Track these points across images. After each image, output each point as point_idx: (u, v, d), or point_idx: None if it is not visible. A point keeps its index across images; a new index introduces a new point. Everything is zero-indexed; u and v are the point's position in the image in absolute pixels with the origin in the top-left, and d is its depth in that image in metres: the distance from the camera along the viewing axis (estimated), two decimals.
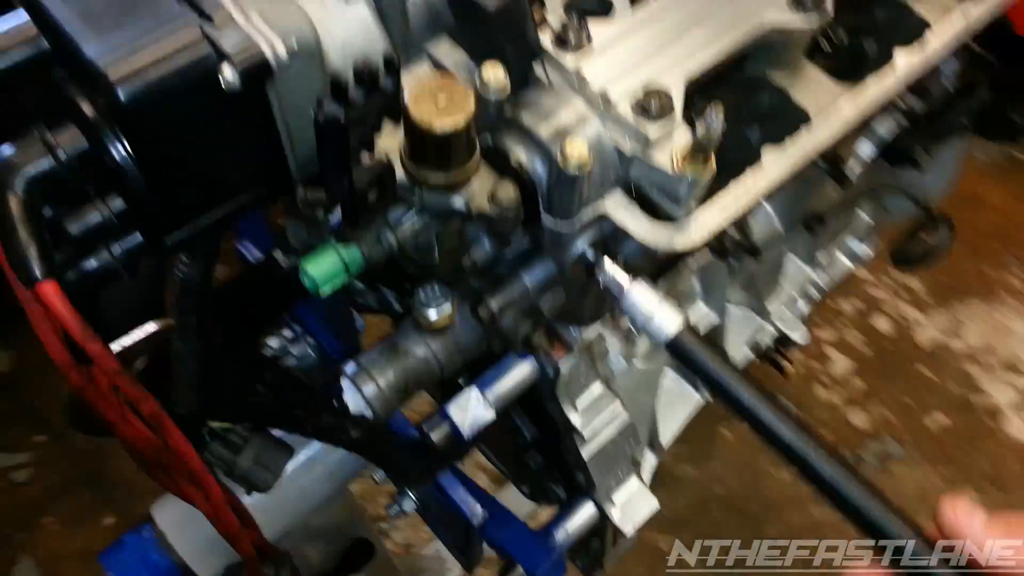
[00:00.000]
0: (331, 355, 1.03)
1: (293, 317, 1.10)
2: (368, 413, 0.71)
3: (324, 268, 0.61)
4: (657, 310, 0.60)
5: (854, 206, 1.32)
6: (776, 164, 0.63)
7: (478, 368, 0.84)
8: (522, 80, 0.58)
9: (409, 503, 1.08)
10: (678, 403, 1.20)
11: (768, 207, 1.09)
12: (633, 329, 1.02)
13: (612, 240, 0.65)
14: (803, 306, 1.37)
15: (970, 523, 0.49)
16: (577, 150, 0.52)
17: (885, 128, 1.05)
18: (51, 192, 0.53)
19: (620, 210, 0.60)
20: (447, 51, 0.61)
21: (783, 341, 1.32)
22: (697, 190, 0.58)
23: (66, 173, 0.52)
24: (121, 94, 0.46)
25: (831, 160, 0.83)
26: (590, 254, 0.63)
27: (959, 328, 2.29)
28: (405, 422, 0.88)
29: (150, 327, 0.81)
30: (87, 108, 0.50)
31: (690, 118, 0.59)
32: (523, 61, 0.58)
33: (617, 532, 1.03)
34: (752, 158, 0.63)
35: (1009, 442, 2.10)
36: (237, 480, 0.89)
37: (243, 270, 1.08)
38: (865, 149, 1.07)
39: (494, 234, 0.63)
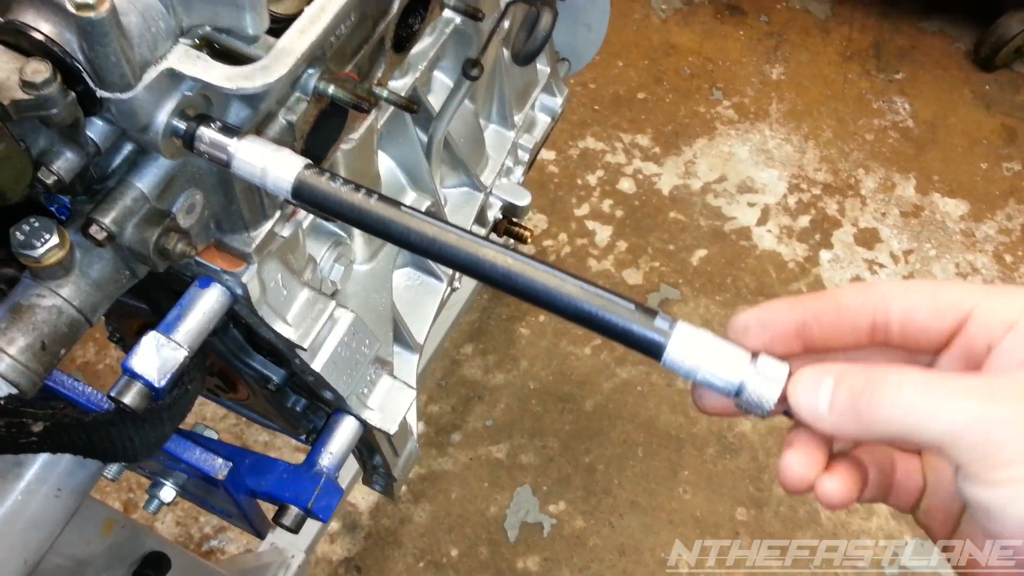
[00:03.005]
0: None
1: None
2: (11, 390, 0.61)
3: None
4: (271, 158, 0.55)
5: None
6: None
7: None
8: None
9: (168, 491, 0.99)
10: (423, 297, 1.18)
11: (437, 71, 1.07)
12: (342, 232, 0.98)
13: (214, 108, 0.59)
14: (519, 172, 1.38)
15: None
16: None
17: None
18: None
19: (187, 62, 0.54)
20: None
21: (512, 210, 1.33)
22: (262, 16, 0.53)
23: None
24: None
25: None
26: (181, 125, 0.56)
27: (692, 168, 2.45)
28: (100, 397, 0.78)
29: None
30: None
31: None
32: None
33: (388, 437, 0.99)
34: None
35: (763, 254, 2.29)
36: None
37: None
38: None
39: (62, 133, 0.55)
